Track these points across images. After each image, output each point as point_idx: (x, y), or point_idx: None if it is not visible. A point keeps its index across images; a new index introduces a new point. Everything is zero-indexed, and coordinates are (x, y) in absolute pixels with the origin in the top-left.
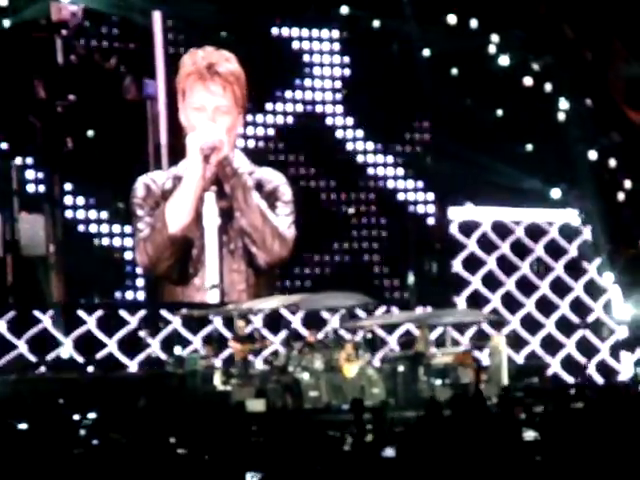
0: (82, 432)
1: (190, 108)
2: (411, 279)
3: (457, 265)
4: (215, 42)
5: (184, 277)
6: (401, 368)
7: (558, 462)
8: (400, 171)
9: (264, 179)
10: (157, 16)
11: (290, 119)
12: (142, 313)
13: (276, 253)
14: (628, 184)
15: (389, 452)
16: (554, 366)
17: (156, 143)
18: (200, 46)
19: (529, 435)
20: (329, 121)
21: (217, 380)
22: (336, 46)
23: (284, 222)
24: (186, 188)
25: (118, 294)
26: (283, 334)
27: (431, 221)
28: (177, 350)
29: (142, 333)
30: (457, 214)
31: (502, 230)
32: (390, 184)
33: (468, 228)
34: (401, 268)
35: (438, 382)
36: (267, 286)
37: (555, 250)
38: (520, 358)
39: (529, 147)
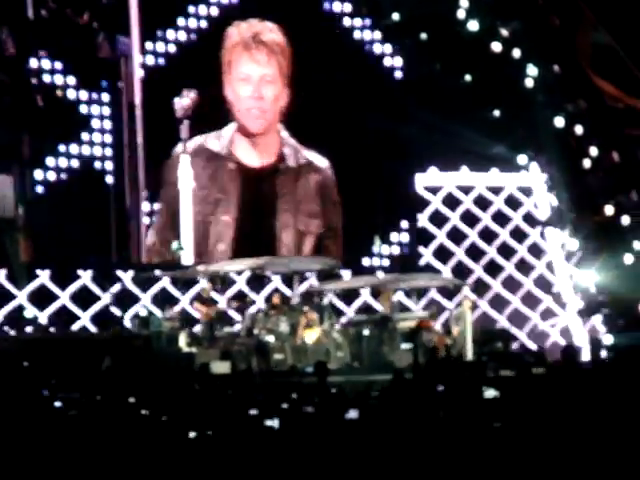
0: (45, 392)
1: (236, 80)
2: (377, 244)
3: (423, 220)
4: None
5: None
6: (366, 332)
7: (517, 425)
8: None
9: (314, 165)
10: None
11: None
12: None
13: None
14: (594, 151)
15: (352, 414)
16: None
17: (130, 102)
18: None
19: (490, 394)
20: None
21: (182, 342)
22: None
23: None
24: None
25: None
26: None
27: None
28: (142, 311)
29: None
30: (422, 180)
31: (464, 190)
32: None
33: (433, 190)
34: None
35: (403, 346)
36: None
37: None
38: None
39: (497, 113)
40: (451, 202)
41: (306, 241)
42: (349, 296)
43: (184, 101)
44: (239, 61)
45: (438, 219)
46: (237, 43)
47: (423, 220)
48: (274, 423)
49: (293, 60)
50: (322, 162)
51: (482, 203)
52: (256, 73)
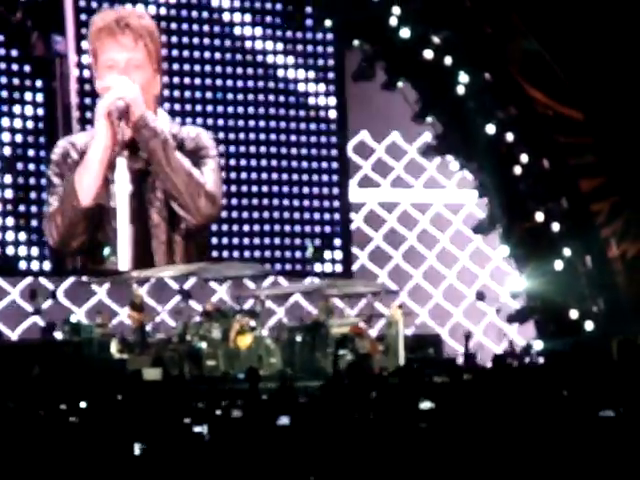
0: None
1: (103, 67)
2: (310, 251)
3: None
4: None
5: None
6: (299, 338)
7: (451, 431)
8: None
9: (187, 137)
10: None
11: None
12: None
13: (206, 213)
14: (524, 158)
15: (284, 420)
16: (443, 335)
17: (65, 104)
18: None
19: (425, 405)
20: None
21: (113, 348)
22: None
23: (210, 179)
24: (94, 155)
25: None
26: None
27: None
28: (73, 318)
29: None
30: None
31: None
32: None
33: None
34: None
35: (338, 352)
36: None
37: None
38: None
39: (429, 120)
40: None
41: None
42: (285, 302)
43: (119, 103)
44: (104, 47)
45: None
46: (101, 29)
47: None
48: (203, 429)
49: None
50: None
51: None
52: (122, 58)
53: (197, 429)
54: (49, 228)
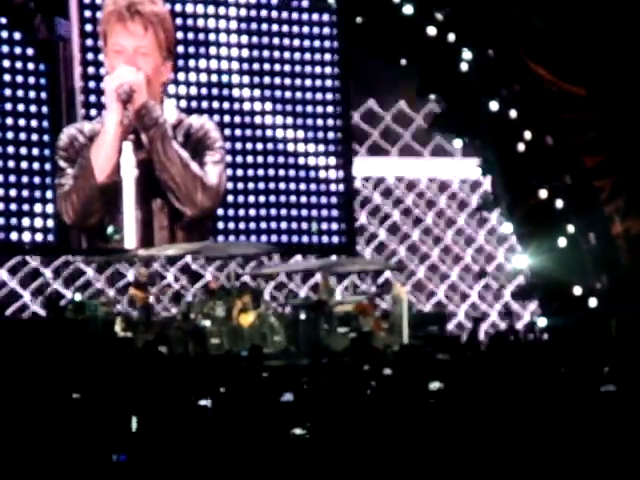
0: None
1: (111, 51)
2: (314, 227)
3: (362, 218)
4: None
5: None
6: (302, 316)
7: (460, 410)
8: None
9: (192, 126)
10: None
11: None
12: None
13: (200, 205)
14: (528, 135)
15: (288, 397)
16: (459, 315)
17: (69, 88)
18: None
19: (434, 386)
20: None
21: (118, 327)
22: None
23: (211, 171)
24: (107, 134)
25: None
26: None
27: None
28: (77, 296)
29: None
30: (360, 167)
31: (406, 184)
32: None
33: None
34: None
35: (339, 330)
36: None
37: (458, 202)
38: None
39: (432, 97)
40: (386, 191)
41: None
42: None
43: (126, 87)
44: (113, 32)
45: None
46: (111, 13)
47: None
48: (207, 403)
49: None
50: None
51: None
52: (131, 45)
53: (202, 402)
54: (65, 207)
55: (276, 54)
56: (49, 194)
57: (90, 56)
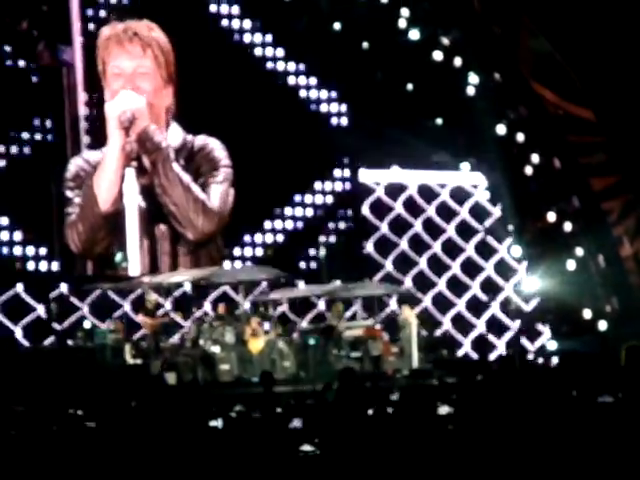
0: None
1: (111, 75)
2: (322, 252)
3: (369, 247)
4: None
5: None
6: (312, 341)
7: (469, 433)
8: None
9: (195, 146)
10: None
11: None
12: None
13: (202, 229)
14: (535, 158)
15: (297, 423)
16: (465, 345)
17: (73, 114)
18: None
19: (443, 410)
20: None
21: (127, 354)
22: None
23: (214, 193)
24: (109, 161)
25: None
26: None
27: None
28: (86, 324)
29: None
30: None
31: (414, 208)
32: None
33: (380, 210)
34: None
35: (351, 354)
36: (207, 263)
37: (466, 229)
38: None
39: (439, 121)
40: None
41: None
42: (302, 305)
43: (129, 113)
44: (111, 56)
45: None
46: (109, 38)
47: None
48: (218, 423)
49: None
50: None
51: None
52: (129, 66)
53: (212, 423)
54: (71, 236)
55: None
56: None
57: (93, 82)
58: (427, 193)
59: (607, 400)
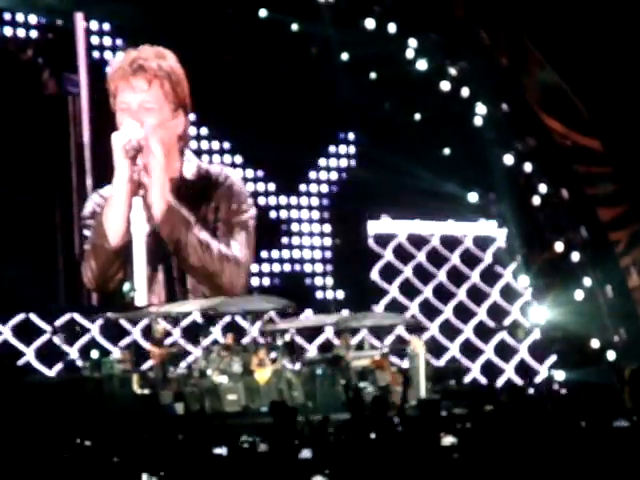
0: None
1: (118, 110)
2: (330, 282)
3: (374, 275)
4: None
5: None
6: (320, 371)
7: (473, 464)
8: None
9: (214, 177)
10: (79, 17)
11: None
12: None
13: (229, 284)
14: (543, 188)
15: (306, 454)
16: (474, 371)
17: (78, 143)
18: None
19: (448, 441)
20: None
21: (135, 384)
22: None
23: (240, 238)
24: (117, 193)
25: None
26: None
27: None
28: (94, 354)
29: (57, 339)
30: (374, 227)
31: (418, 240)
32: None
33: (384, 240)
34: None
35: (359, 385)
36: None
37: (470, 258)
38: (440, 363)
39: (446, 151)
40: (404, 253)
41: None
42: (311, 335)
43: (134, 142)
44: (118, 90)
45: (390, 272)
46: (116, 71)
47: (374, 274)
48: (222, 451)
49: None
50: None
51: (438, 255)
52: (135, 101)
53: (217, 451)
54: (85, 273)
55: None
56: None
57: (99, 112)
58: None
59: (623, 425)
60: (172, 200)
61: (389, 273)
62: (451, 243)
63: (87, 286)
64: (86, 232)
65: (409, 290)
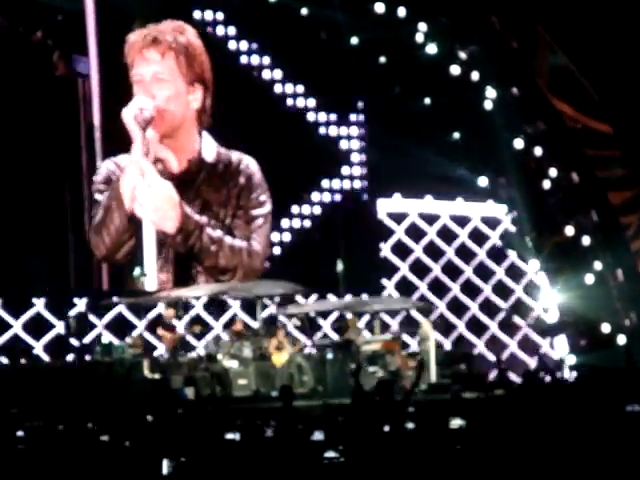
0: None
1: (133, 83)
2: (340, 267)
3: (386, 251)
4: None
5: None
6: (330, 356)
7: (481, 450)
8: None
9: (234, 165)
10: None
11: None
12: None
13: (249, 271)
14: (553, 172)
15: (318, 436)
16: (480, 347)
17: (88, 124)
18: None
19: (455, 423)
20: None
21: (145, 369)
22: None
23: (262, 230)
24: (135, 158)
25: None
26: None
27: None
28: (104, 339)
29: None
30: (385, 206)
31: (428, 219)
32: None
33: (396, 217)
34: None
35: (369, 369)
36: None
37: (479, 237)
38: (448, 342)
39: (456, 135)
40: (415, 231)
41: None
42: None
43: (145, 113)
44: (133, 63)
45: (401, 249)
46: (131, 46)
47: (386, 250)
48: (235, 436)
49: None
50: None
51: (447, 233)
52: (148, 72)
53: (229, 436)
54: (95, 240)
55: None
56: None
57: (109, 92)
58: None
59: (636, 409)
60: (184, 209)
61: (400, 249)
62: (460, 222)
63: (97, 256)
64: (98, 196)
65: (420, 269)
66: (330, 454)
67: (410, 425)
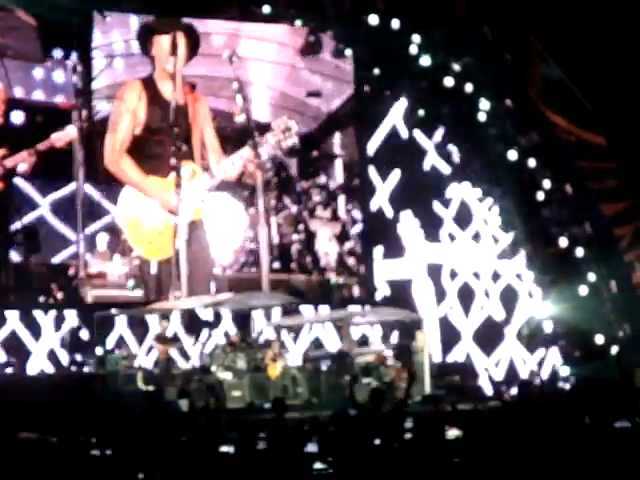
0: None
1: None
2: (333, 279)
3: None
4: None
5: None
6: (324, 367)
7: (477, 461)
8: None
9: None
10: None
11: None
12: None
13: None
14: (547, 184)
15: (311, 447)
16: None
17: None
18: None
19: (452, 434)
20: None
21: (139, 380)
22: None
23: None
24: None
25: None
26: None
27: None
28: (98, 351)
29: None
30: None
31: None
32: None
33: None
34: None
35: (363, 380)
36: None
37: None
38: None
39: (451, 147)
40: None
41: None
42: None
43: None
44: None
45: None
46: None
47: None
48: (229, 449)
49: None
50: None
51: None
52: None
53: (224, 449)
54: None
55: None
56: None
57: None
58: None
59: (625, 425)
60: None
61: None
62: None
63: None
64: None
65: None
66: (319, 465)
67: (404, 436)
